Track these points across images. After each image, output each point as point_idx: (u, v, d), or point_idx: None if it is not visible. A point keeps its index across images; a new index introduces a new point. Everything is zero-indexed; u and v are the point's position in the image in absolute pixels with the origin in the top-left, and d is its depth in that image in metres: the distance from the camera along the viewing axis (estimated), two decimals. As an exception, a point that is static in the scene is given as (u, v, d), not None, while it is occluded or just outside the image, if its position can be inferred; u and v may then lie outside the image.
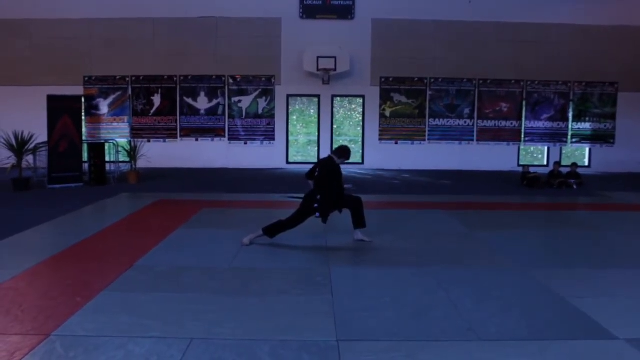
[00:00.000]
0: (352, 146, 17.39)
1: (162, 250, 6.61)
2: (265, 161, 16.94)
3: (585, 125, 17.43)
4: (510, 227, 8.42)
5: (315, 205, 6.77)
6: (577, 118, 17.39)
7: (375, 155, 17.15)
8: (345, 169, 7.82)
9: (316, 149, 17.21)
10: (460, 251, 6.84)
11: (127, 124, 17.02)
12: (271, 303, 4.78)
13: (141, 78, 16.92)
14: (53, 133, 12.50)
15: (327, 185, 6.79)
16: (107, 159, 13.52)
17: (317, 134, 17.21)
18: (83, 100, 15.81)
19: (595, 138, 17.49)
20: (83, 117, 15.03)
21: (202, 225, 8.23)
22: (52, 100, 12.68)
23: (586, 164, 17.57)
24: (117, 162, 14.11)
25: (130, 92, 16.95)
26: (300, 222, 6.93)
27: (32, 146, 12.54)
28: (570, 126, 17.39)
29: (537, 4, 16.74)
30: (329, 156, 7.12)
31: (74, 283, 5.27)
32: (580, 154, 17.79)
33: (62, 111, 12.65)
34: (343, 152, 6.97)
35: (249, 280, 5.43)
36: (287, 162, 17.22)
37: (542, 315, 4.58)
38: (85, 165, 13.15)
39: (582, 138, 17.48)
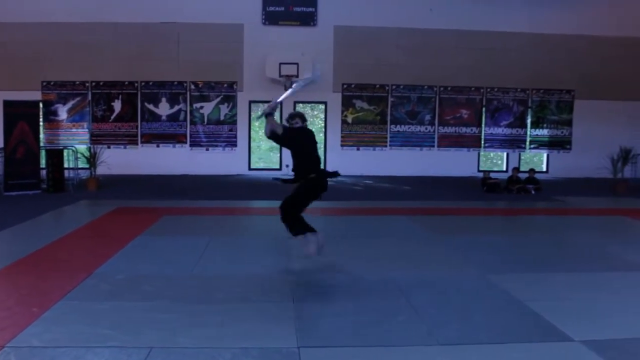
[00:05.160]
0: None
1: (122, 259, 6.52)
2: (227, 167, 16.83)
3: (543, 132, 17.81)
4: (470, 232, 8.56)
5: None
6: (535, 125, 17.76)
7: (337, 161, 17.10)
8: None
9: (278, 155, 17.17)
10: (422, 256, 6.91)
11: (87, 130, 16.71)
12: (232, 310, 4.76)
13: (101, 83, 16.66)
14: (9, 139, 12.21)
15: None
16: (65, 165, 13.27)
17: (279, 140, 17.13)
18: (41, 105, 15.53)
19: (553, 144, 17.88)
20: (41, 123, 14.78)
21: (163, 233, 8.13)
22: (8, 105, 12.43)
23: (544, 169, 17.95)
24: (76, 168, 13.85)
25: (90, 97, 16.67)
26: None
27: (-13, 153, 12.28)
28: (528, 132, 17.76)
29: (496, 13, 17.05)
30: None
31: (30, 292, 5.15)
32: (538, 160, 18.17)
33: (19, 117, 12.37)
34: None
35: (209, 288, 5.39)
36: (249, 169, 17.16)
37: (501, 318, 4.67)
38: (43, 172, 12.90)
39: (540, 144, 17.85)
